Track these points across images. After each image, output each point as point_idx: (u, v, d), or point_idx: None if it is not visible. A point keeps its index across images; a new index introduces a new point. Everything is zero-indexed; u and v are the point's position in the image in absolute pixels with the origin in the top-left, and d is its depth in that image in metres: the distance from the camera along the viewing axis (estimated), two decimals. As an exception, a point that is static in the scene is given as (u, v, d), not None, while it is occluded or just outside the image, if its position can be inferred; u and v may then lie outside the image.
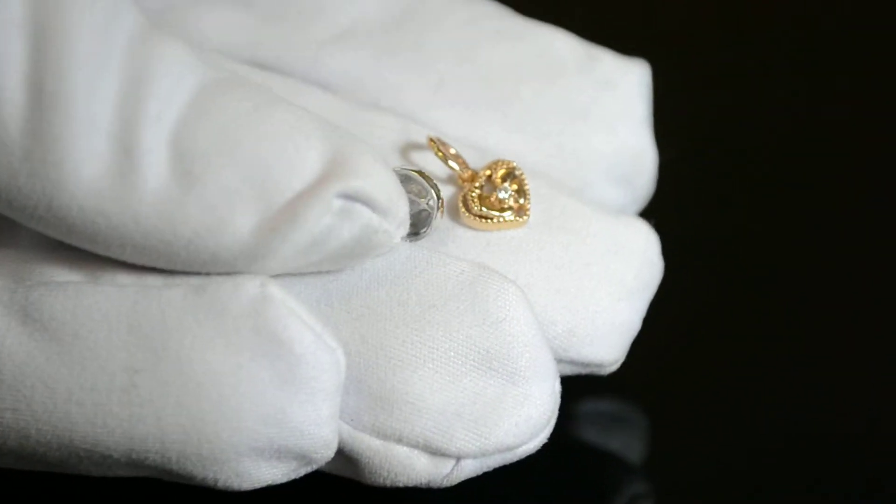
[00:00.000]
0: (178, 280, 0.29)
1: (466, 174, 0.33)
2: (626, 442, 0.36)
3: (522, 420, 0.30)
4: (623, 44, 0.38)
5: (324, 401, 0.29)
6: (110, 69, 0.28)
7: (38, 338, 0.28)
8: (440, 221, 0.32)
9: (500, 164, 0.33)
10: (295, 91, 0.34)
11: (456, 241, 0.32)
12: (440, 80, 0.35)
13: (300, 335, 0.28)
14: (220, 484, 0.29)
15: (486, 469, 0.31)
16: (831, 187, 0.43)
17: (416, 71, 0.35)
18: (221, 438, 0.28)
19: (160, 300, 0.29)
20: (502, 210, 0.32)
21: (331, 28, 0.36)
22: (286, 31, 0.35)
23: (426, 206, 0.31)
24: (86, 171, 0.28)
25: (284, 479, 0.30)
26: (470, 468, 0.30)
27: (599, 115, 0.35)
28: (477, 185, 0.32)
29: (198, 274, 0.29)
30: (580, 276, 0.32)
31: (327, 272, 0.30)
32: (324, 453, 0.29)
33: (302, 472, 0.30)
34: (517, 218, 0.32)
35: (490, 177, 0.33)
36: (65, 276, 0.29)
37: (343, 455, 0.30)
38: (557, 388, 0.31)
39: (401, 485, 0.30)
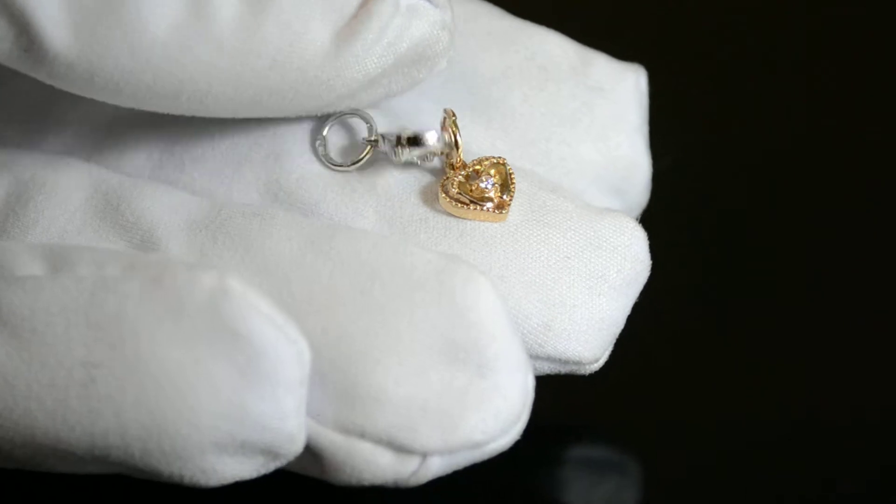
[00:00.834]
0: (136, 271, 0.28)
1: (458, 161, 0.32)
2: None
3: (490, 414, 0.29)
4: (620, 45, 0.37)
5: (286, 394, 0.28)
6: None
7: None
8: (416, 209, 0.32)
9: (490, 158, 0.32)
10: None
11: (428, 230, 0.32)
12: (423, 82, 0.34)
13: (259, 327, 0.28)
14: (187, 480, 0.29)
15: (454, 467, 0.30)
16: (831, 190, 0.42)
17: None
18: (181, 434, 0.28)
19: (118, 293, 0.28)
20: (482, 200, 0.32)
21: None
22: None
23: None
24: (163, 9, 0.29)
25: (253, 475, 0.29)
26: (437, 466, 0.29)
27: (589, 122, 0.34)
28: (463, 172, 0.32)
29: (157, 265, 0.29)
30: (558, 269, 0.31)
31: (289, 265, 0.30)
32: (290, 448, 0.29)
33: (271, 467, 0.29)
34: (496, 211, 0.32)
35: (477, 169, 0.32)
36: (26, 269, 0.29)
37: (308, 451, 0.29)
38: (530, 382, 0.30)
39: (366, 483, 0.29)
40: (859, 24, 0.47)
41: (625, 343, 0.33)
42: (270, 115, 0.31)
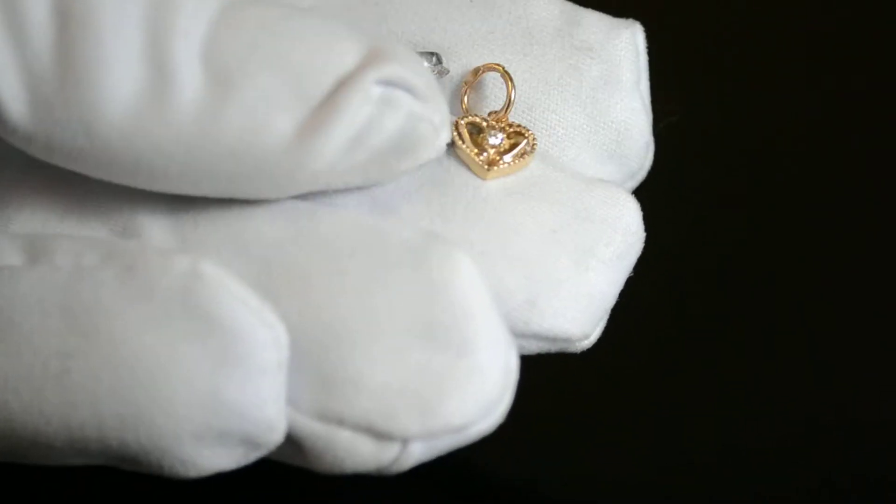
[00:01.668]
0: (113, 260, 0.28)
1: (503, 117, 0.32)
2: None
3: (471, 395, 0.28)
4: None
5: (263, 380, 0.28)
6: None
7: None
8: (398, 183, 0.31)
9: (522, 128, 0.32)
10: None
11: (410, 204, 0.31)
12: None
13: (233, 311, 0.27)
14: (167, 471, 0.28)
15: (437, 453, 0.29)
16: (844, 157, 0.41)
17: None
18: (157, 424, 0.27)
19: (93, 282, 0.28)
20: (480, 147, 0.31)
21: (295, 6, 0.34)
22: None
23: None
24: (121, 91, 0.28)
25: (234, 466, 0.28)
26: (419, 452, 0.28)
27: (578, 85, 0.33)
28: (490, 124, 0.31)
29: (132, 254, 0.28)
30: (543, 243, 0.30)
31: (272, 247, 0.29)
32: (270, 437, 0.28)
33: (252, 457, 0.29)
34: (483, 164, 0.31)
35: (504, 128, 0.31)
36: (4, 260, 0.29)
37: (289, 440, 0.29)
38: (512, 362, 0.29)
39: (348, 471, 0.29)
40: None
41: (618, 320, 0.32)
42: (231, 196, 0.30)
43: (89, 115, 0.28)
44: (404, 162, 0.29)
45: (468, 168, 0.31)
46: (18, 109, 0.28)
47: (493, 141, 0.31)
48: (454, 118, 0.31)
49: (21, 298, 0.28)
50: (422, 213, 0.30)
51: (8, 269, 0.28)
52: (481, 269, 0.29)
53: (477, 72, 0.32)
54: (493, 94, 0.32)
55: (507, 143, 0.31)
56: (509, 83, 0.32)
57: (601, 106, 0.33)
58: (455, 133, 0.31)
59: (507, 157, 0.31)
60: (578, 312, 0.30)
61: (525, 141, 0.31)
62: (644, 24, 0.34)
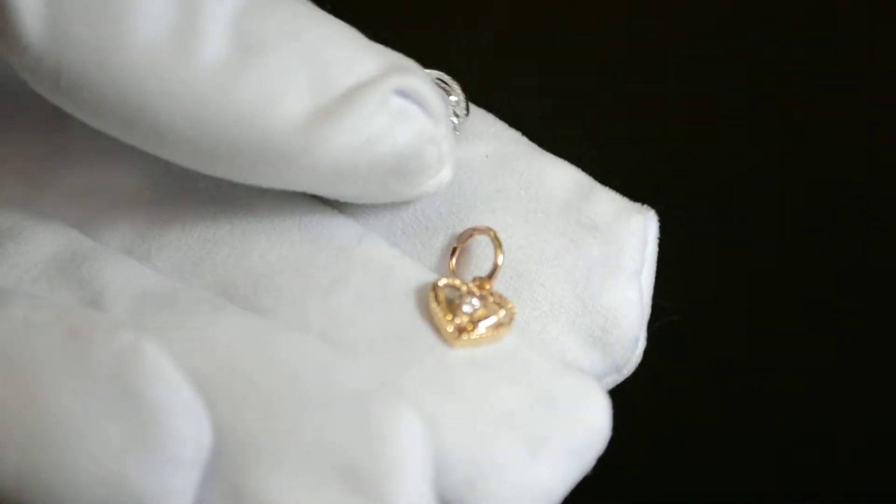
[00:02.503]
0: (62, 321, 0.28)
1: (487, 286, 0.30)
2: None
3: None
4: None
5: (174, 472, 0.27)
6: None
7: None
8: (369, 329, 0.30)
9: (504, 300, 0.30)
10: None
11: (373, 352, 0.29)
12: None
13: (161, 395, 0.27)
14: None
15: None
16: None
17: None
18: (54, 492, 0.27)
19: (35, 336, 0.27)
20: (452, 311, 0.29)
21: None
22: None
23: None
24: (145, 28, 0.28)
25: None
26: None
27: (573, 263, 0.31)
28: (470, 291, 0.30)
29: None
30: (497, 423, 0.29)
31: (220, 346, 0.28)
32: None
33: None
34: (452, 330, 0.29)
35: (483, 296, 0.30)
36: None
37: None
38: None
39: None
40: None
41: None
42: (226, 175, 0.29)
43: (108, 43, 0.28)
44: (403, 186, 0.29)
45: (438, 331, 0.30)
46: (35, 25, 0.28)
47: (466, 308, 0.30)
48: (436, 278, 0.30)
49: None
50: (381, 364, 0.29)
51: None
52: (427, 434, 0.28)
53: (468, 235, 0.31)
54: (486, 254, 0.31)
55: (482, 312, 0.30)
56: (498, 249, 0.30)
57: (594, 289, 0.31)
58: (431, 294, 0.30)
59: (481, 327, 0.29)
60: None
61: (503, 313, 0.30)
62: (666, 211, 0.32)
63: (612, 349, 0.31)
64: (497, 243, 0.30)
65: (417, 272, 0.30)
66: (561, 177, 0.32)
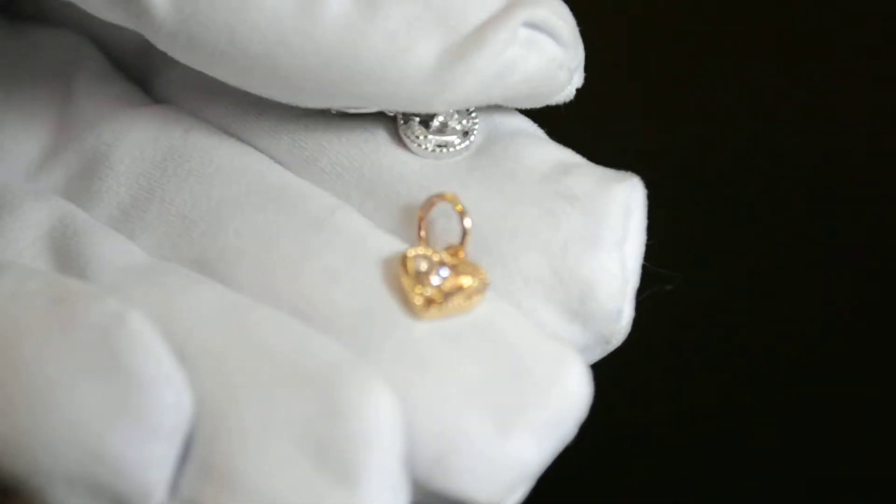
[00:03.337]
0: (49, 289, 0.28)
1: (461, 254, 0.30)
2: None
3: None
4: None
5: (155, 441, 0.27)
6: None
7: None
8: (350, 300, 0.29)
9: (479, 269, 0.29)
10: None
11: (339, 329, 0.29)
12: None
13: (145, 363, 0.27)
14: None
15: None
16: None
17: None
18: (35, 456, 0.27)
19: (23, 304, 0.28)
20: (421, 282, 0.29)
21: None
22: None
23: None
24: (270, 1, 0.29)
25: None
26: None
27: (550, 235, 0.29)
28: (443, 259, 0.29)
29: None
30: (466, 396, 0.28)
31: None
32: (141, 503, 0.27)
33: None
34: (420, 303, 0.29)
35: (454, 264, 0.29)
36: None
37: None
38: None
39: None
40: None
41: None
42: (350, 110, 0.30)
43: (233, 18, 0.29)
44: (533, 102, 0.30)
45: (406, 303, 0.29)
46: (165, 6, 0.29)
47: (434, 280, 0.29)
48: (406, 248, 0.30)
49: None
50: (350, 339, 0.29)
51: None
52: (397, 410, 0.27)
53: (430, 203, 0.30)
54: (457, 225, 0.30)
55: (453, 282, 0.29)
56: (462, 214, 0.29)
57: (571, 261, 0.29)
58: (401, 266, 0.29)
59: (450, 298, 0.29)
60: (487, 479, 0.28)
61: (475, 281, 0.29)
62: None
63: (594, 322, 0.30)
64: (459, 207, 0.30)
65: (389, 243, 0.30)
66: (544, 153, 0.31)
